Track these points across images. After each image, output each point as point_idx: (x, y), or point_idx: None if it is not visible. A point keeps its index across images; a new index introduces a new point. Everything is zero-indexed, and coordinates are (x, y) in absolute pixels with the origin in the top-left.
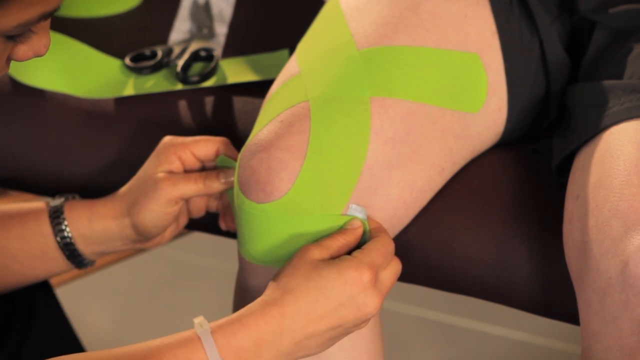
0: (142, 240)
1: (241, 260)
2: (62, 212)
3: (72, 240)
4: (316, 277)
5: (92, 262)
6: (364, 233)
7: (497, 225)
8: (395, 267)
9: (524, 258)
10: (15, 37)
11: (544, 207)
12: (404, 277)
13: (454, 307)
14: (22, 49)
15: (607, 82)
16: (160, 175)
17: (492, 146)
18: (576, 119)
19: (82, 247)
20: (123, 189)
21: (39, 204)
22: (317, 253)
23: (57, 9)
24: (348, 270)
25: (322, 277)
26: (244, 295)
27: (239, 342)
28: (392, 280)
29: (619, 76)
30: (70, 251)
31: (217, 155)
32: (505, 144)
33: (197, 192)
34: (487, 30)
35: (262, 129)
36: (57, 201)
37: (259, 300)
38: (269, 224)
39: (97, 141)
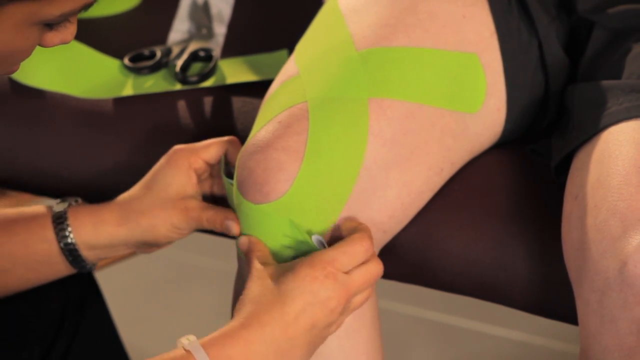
0: (145, 247)
1: (240, 261)
2: (66, 219)
3: (76, 247)
4: (277, 285)
5: (94, 266)
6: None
7: (496, 226)
8: (371, 266)
9: (522, 258)
10: (51, 25)
11: (542, 207)
12: (402, 277)
13: (453, 307)
14: (50, 36)
15: (606, 82)
16: (191, 204)
17: (490, 146)
18: (575, 119)
19: (86, 252)
20: (128, 195)
21: (42, 208)
22: (268, 269)
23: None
24: (302, 267)
25: (281, 283)
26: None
27: (229, 353)
28: (364, 278)
29: (618, 76)
30: (73, 257)
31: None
32: (504, 144)
33: (214, 229)
34: (485, 30)
35: (260, 130)
36: (60, 206)
37: (234, 318)
38: (267, 225)
39: (96, 141)
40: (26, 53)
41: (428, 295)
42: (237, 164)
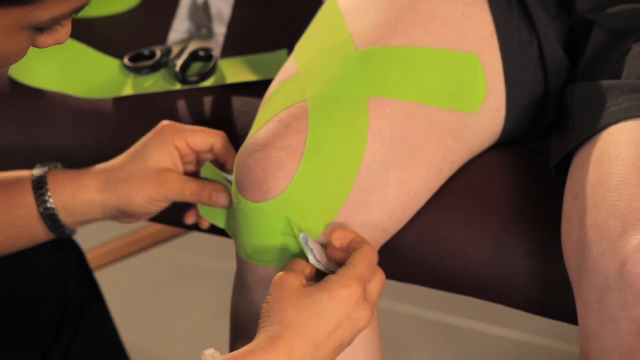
0: (122, 216)
1: (239, 260)
2: (45, 183)
3: (55, 212)
4: (311, 305)
5: (73, 232)
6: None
7: (496, 225)
8: (380, 277)
9: (522, 258)
10: (43, 28)
11: (542, 207)
12: (402, 277)
13: (453, 307)
14: (44, 37)
15: (606, 82)
16: (170, 176)
17: (490, 146)
18: (575, 119)
19: (65, 218)
20: (110, 164)
21: (22, 173)
22: (295, 279)
23: (88, 3)
24: (339, 290)
25: (316, 304)
26: (242, 294)
27: None
28: (379, 292)
29: (618, 76)
30: (53, 222)
31: (211, 150)
32: (504, 144)
33: (199, 202)
34: (485, 30)
35: (260, 129)
36: (40, 171)
37: (262, 336)
38: (265, 223)
39: (96, 141)
40: (18, 56)
41: (428, 295)
42: (236, 163)
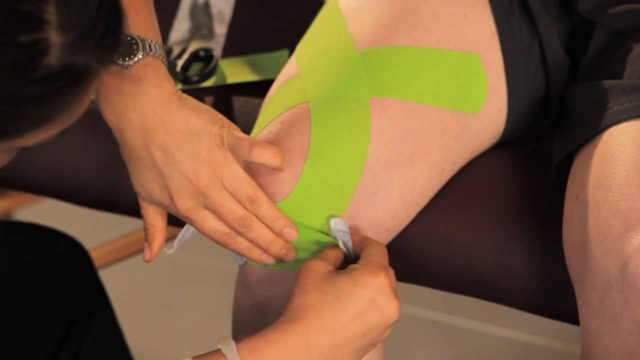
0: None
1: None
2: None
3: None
4: (333, 289)
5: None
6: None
7: (497, 225)
8: (393, 273)
9: (523, 258)
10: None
11: (543, 207)
12: (404, 277)
13: (454, 307)
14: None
15: (607, 82)
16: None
17: (492, 146)
18: (576, 119)
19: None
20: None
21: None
22: (322, 266)
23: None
24: (363, 275)
25: (338, 288)
26: (244, 294)
27: (266, 359)
28: (396, 287)
29: (619, 76)
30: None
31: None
32: (505, 144)
33: None
34: (487, 30)
35: (262, 130)
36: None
37: (279, 320)
38: None
39: (97, 141)
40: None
41: (428, 295)
42: None
